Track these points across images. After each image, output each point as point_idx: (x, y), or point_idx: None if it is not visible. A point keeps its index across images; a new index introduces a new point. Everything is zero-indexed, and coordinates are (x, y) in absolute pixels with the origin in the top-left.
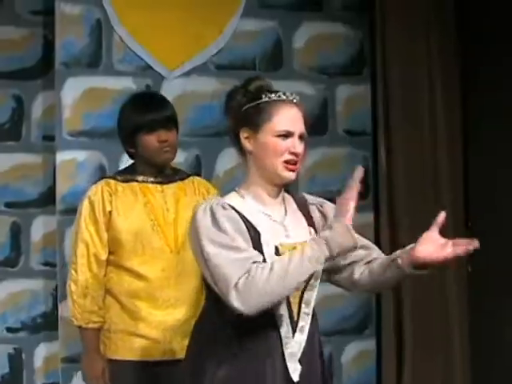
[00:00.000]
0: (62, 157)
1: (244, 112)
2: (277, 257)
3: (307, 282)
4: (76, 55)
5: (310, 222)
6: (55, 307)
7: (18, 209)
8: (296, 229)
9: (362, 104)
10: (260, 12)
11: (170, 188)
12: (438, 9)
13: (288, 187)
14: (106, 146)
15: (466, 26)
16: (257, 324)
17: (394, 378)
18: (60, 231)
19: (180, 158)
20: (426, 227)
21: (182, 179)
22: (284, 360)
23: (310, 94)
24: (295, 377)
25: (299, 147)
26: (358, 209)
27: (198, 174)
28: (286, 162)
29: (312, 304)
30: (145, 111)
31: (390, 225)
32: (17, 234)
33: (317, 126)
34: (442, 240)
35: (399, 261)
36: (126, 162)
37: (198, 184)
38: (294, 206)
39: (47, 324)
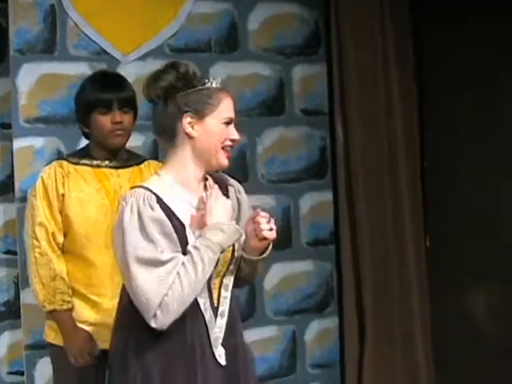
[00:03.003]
0: (18, 144)
1: (186, 97)
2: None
3: (227, 267)
4: (30, 41)
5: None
6: (17, 295)
7: None
8: None
9: (319, 84)
10: None
11: (126, 173)
12: None
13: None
14: (63, 132)
15: (421, 3)
16: (184, 314)
17: (357, 354)
18: (20, 219)
19: (138, 142)
20: (383, 204)
21: (138, 164)
22: (211, 345)
23: (266, 74)
24: (222, 361)
25: (237, 134)
26: (318, 187)
27: (156, 158)
28: (225, 148)
29: (230, 288)
30: (102, 89)
31: (349, 202)
32: None
33: (274, 107)
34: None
35: (245, 255)
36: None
37: (155, 169)
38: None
39: (10, 312)
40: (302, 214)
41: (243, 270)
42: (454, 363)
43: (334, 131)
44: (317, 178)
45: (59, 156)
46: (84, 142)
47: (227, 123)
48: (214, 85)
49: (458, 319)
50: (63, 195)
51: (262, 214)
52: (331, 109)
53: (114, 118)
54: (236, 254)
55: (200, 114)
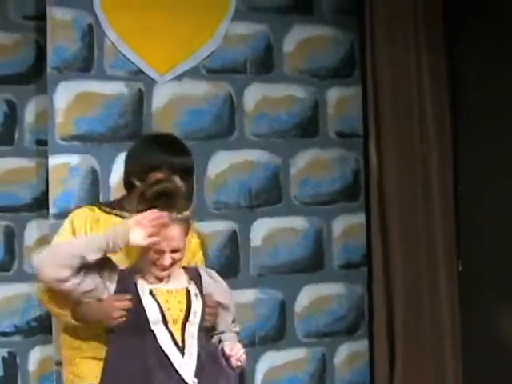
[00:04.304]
0: (54, 161)
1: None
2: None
3: (186, 316)
4: (68, 60)
5: (194, 281)
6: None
7: (12, 213)
8: (174, 280)
9: (353, 106)
10: (250, 15)
11: None
12: (425, 11)
13: None
14: (98, 151)
15: (454, 25)
16: (141, 343)
17: (387, 378)
18: (53, 235)
19: None
20: (416, 227)
21: None
22: (177, 372)
23: (301, 96)
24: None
25: (167, 261)
26: (350, 210)
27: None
28: (156, 265)
29: (196, 336)
30: (169, 151)
31: (382, 225)
32: (10, 238)
33: (308, 129)
34: None
35: None
36: (118, 166)
37: None
38: (182, 271)
39: (41, 327)
40: (335, 236)
41: None
42: None
43: (367, 154)
44: (350, 200)
45: (92, 202)
46: (119, 160)
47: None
48: None
49: (489, 342)
50: None
51: (230, 349)
52: (365, 131)
53: (180, 182)
54: (193, 305)
55: None
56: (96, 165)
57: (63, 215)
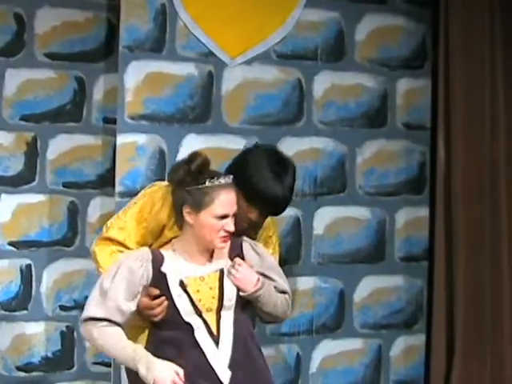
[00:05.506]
0: (122, 139)
1: (188, 191)
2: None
3: (221, 302)
4: (140, 39)
5: (235, 256)
6: None
7: (76, 189)
8: (213, 261)
9: (422, 98)
10: (323, 3)
11: None
12: (502, 4)
13: None
14: (166, 131)
15: None
16: (176, 334)
17: (443, 374)
18: (119, 211)
19: (239, 145)
20: (481, 223)
21: None
22: (213, 369)
23: (370, 86)
24: (225, 380)
25: (232, 226)
26: (414, 203)
27: None
28: (220, 237)
29: (232, 321)
30: (282, 200)
31: (446, 220)
32: (74, 214)
33: (376, 119)
34: None
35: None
36: (185, 148)
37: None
38: (225, 250)
39: None
40: (397, 228)
41: (256, 308)
42: None
43: (434, 147)
44: (414, 193)
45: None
46: (187, 141)
47: (222, 217)
48: (216, 182)
49: None
50: (164, 226)
51: (237, 261)
52: (433, 124)
53: (252, 214)
54: (225, 290)
55: (196, 208)
56: (163, 145)
57: (129, 194)
